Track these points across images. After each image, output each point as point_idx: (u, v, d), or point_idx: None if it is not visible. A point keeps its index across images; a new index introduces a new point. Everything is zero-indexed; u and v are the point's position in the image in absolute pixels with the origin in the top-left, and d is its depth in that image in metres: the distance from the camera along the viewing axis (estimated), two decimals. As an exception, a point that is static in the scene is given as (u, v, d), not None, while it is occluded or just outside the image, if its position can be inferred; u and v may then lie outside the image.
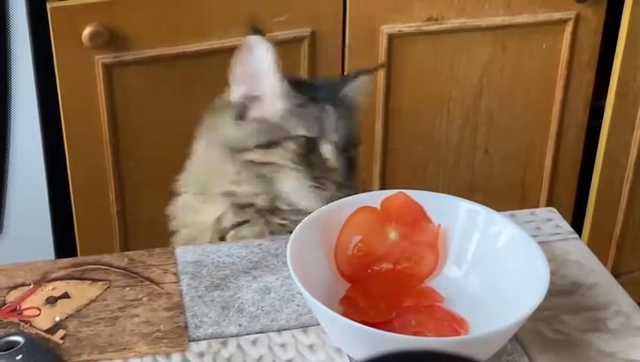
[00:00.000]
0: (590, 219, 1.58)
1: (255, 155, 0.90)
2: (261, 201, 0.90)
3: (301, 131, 0.89)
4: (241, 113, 0.91)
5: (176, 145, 1.37)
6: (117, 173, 1.36)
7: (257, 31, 0.90)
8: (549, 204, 1.53)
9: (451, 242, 0.77)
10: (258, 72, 0.89)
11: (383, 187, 1.49)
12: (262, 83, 0.90)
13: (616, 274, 1.65)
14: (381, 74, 1.42)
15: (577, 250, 0.83)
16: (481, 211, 0.77)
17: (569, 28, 1.43)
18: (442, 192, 0.79)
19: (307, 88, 0.93)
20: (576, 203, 1.60)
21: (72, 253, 1.40)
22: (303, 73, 1.39)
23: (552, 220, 0.87)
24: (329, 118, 0.90)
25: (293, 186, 0.89)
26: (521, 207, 1.05)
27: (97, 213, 1.39)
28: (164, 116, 1.35)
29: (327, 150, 0.90)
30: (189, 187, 0.96)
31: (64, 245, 1.43)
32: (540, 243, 0.75)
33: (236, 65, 0.90)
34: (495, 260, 0.75)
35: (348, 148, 0.91)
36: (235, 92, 0.91)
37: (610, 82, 1.48)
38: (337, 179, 0.89)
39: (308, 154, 0.89)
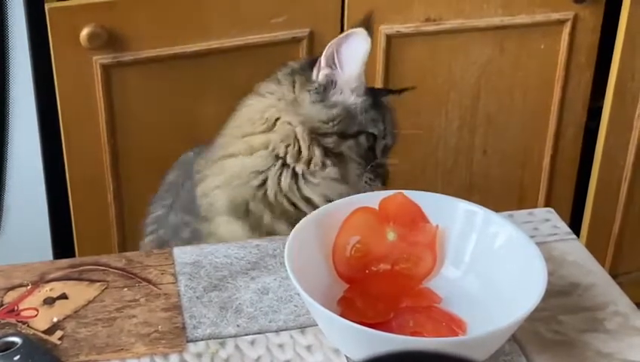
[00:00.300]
0: (588, 220, 1.58)
1: (333, 143, 0.94)
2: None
3: (373, 129, 0.96)
4: (321, 95, 0.94)
5: (174, 146, 1.38)
6: (115, 174, 1.36)
7: (367, 26, 0.93)
8: (547, 204, 1.53)
9: (449, 243, 0.77)
10: (349, 62, 0.93)
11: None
12: (347, 72, 0.94)
13: (615, 275, 1.66)
14: (379, 74, 1.42)
15: (575, 250, 0.83)
16: (478, 212, 0.77)
17: (567, 28, 1.43)
18: (440, 193, 0.79)
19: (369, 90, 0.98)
20: (575, 203, 1.60)
21: (70, 254, 1.40)
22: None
23: (550, 221, 0.88)
24: (388, 122, 0.99)
25: (353, 178, 0.95)
26: (520, 208, 1.05)
27: (95, 214, 1.39)
28: (162, 117, 1.35)
29: (379, 148, 0.97)
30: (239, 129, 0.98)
31: (62, 246, 1.43)
32: (538, 243, 0.75)
33: (332, 48, 0.93)
34: (493, 261, 0.75)
35: (391, 148, 1.00)
36: (322, 72, 0.94)
37: (608, 83, 1.48)
38: (382, 174, 0.98)
39: (369, 150, 0.96)
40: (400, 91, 1.07)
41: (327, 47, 0.92)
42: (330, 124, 0.94)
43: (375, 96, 0.98)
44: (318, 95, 0.94)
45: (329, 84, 0.94)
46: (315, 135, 0.94)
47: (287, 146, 0.94)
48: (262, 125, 0.96)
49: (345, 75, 0.93)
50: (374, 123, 0.96)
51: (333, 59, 0.93)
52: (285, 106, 0.95)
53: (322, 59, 0.93)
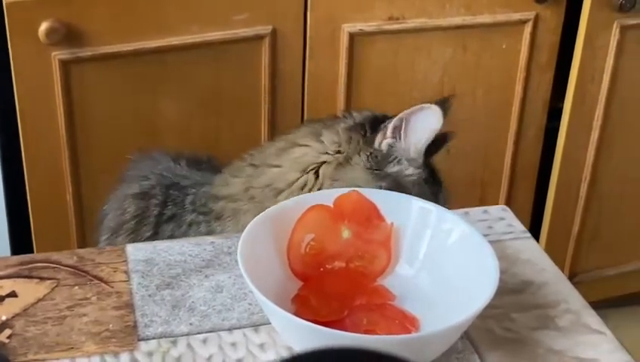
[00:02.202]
0: (548, 219, 1.60)
1: None
2: None
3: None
4: (378, 163, 0.90)
5: (134, 143, 1.36)
6: (74, 171, 1.35)
7: (444, 105, 0.90)
8: (507, 203, 1.54)
9: (404, 240, 0.77)
10: (416, 135, 0.89)
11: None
12: (412, 145, 0.90)
13: (574, 274, 1.68)
14: (342, 73, 1.42)
15: (529, 248, 0.84)
16: (432, 209, 0.77)
17: (528, 28, 1.44)
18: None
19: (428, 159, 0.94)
20: (535, 203, 1.62)
21: (28, 250, 1.38)
22: (264, 71, 1.38)
23: (505, 219, 0.88)
24: (441, 200, 0.94)
25: None
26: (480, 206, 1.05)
27: (54, 211, 1.37)
28: (121, 113, 1.34)
29: None
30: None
31: (20, 245, 1.41)
32: (492, 241, 0.75)
33: (402, 119, 0.89)
34: (446, 258, 0.75)
35: None
36: (386, 141, 0.90)
37: (569, 83, 1.49)
38: None
39: None
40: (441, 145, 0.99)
41: (396, 118, 0.89)
42: None
43: (431, 168, 0.94)
44: (375, 162, 0.90)
45: (389, 154, 0.91)
46: None
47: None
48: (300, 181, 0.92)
49: (408, 147, 0.90)
50: (424, 197, 0.90)
51: (401, 130, 0.90)
52: (334, 165, 0.91)
53: (389, 129, 0.90)
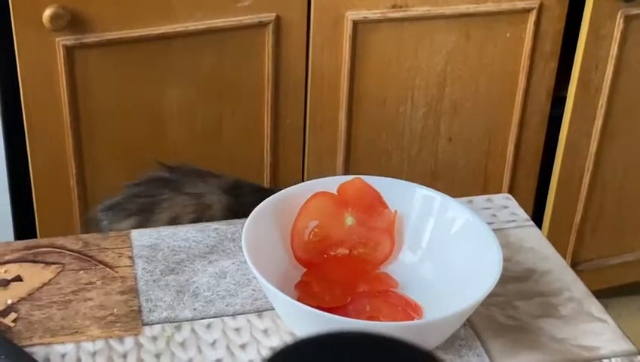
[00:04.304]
0: (551, 208, 1.60)
1: None
2: None
3: None
4: None
5: (137, 129, 1.37)
6: (78, 157, 1.35)
7: None
8: (510, 192, 1.55)
9: (407, 228, 0.77)
10: None
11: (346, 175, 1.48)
12: None
13: (576, 262, 1.68)
14: (345, 60, 1.41)
15: (532, 237, 0.84)
16: (436, 197, 0.77)
17: (532, 17, 1.44)
18: (405, 179, 0.79)
19: None
20: (538, 191, 1.62)
21: (32, 236, 1.38)
22: (268, 58, 1.38)
23: (509, 207, 0.88)
24: None
25: None
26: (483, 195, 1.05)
27: (58, 197, 1.37)
28: (125, 99, 1.34)
29: None
30: None
31: (24, 230, 1.41)
32: (496, 229, 0.76)
33: None
34: (449, 246, 0.75)
35: None
36: None
37: (572, 72, 1.49)
38: None
39: None
40: None
41: None
42: None
43: None
44: None
45: None
46: None
47: None
48: None
49: None
50: None
51: None
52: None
53: None
